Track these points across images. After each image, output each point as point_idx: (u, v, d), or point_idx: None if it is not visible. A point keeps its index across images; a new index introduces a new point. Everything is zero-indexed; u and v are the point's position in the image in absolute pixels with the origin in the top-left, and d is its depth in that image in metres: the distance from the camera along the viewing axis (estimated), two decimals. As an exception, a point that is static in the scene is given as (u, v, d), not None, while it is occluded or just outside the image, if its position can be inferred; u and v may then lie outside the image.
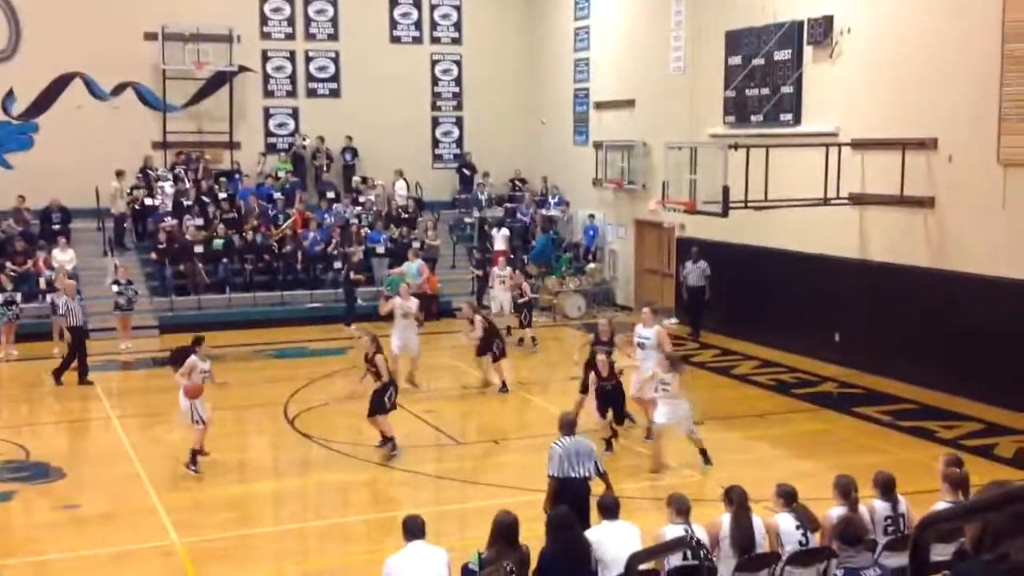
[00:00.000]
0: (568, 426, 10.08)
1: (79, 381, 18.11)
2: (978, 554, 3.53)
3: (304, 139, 27.40)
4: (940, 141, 16.83)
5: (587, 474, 9.80)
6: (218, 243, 24.00)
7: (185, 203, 24.99)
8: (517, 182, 28.84)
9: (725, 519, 8.25)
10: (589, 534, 8.06)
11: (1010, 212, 15.74)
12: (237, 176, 26.61)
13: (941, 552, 7.49)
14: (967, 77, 16.24)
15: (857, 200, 18.07)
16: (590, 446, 10.00)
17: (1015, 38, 15.40)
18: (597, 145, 26.09)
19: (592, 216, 26.49)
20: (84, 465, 14.11)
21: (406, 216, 26.51)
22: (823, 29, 18.83)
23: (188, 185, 25.60)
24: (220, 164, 27.07)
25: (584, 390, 14.67)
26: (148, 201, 24.86)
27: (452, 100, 29.13)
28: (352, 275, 23.75)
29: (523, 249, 26.27)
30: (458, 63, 29.00)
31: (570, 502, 9.08)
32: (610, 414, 13.87)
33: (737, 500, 8.28)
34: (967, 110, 16.29)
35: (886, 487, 8.62)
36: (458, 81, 29.07)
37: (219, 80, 26.69)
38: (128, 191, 24.73)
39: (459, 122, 29.22)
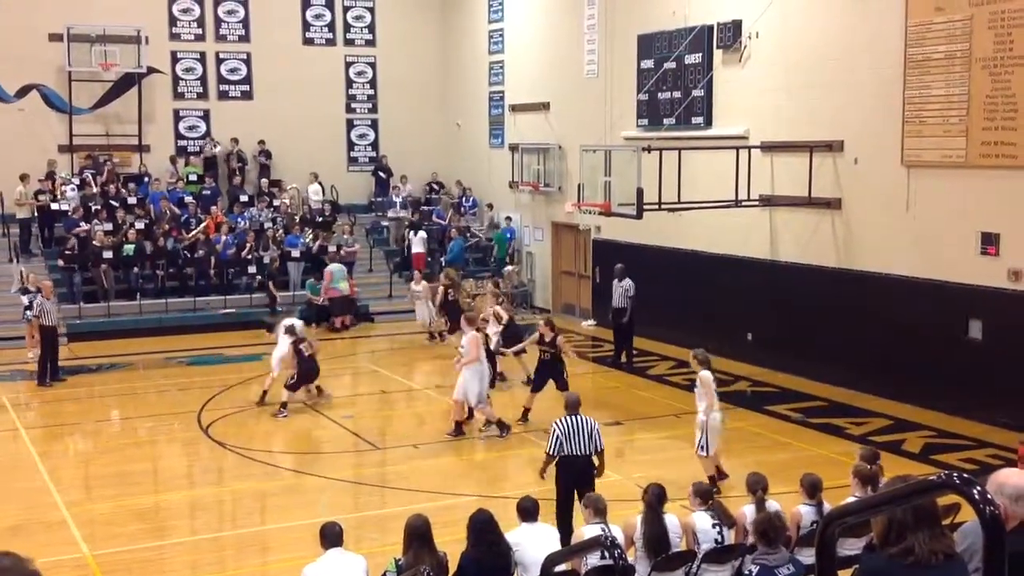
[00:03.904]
0: (571, 405, 10.73)
1: (50, 378, 18.32)
2: (884, 547, 3.63)
3: (215, 143, 27.00)
4: (846, 143, 17.24)
5: (587, 452, 10.44)
6: (128, 248, 23.53)
7: (93, 208, 24.45)
8: (433, 185, 28.80)
9: (638, 519, 8.34)
10: (509, 537, 8.07)
11: (913, 213, 16.18)
12: (147, 180, 26.12)
13: (852, 546, 7.69)
14: (871, 81, 16.67)
15: (767, 202, 18.42)
16: (592, 425, 10.52)
17: (917, 42, 15.85)
18: (513, 148, 26.18)
19: (509, 219, 26.56)
20: (-10, 478, 13.70)
21: (321, 219, 26.30)
22: (732, 33, 19.16)
23: (95, 189, 25.06)
24: (129, 168, 26.54)
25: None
26: (54, 206, 24.27)
27: (367, 103, 28.97)
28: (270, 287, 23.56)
29: (440, 252, 26.24)
30: (372, 65, 28.85)
31: (569, 478, 10.27)
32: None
33: (648, 500, 8.38)
34: (872, 113, 16.71)
35: (812, 489, 8.74)
36: (372, 83, 28.92)
37: (127, 82, 26.16)
38: (32, 196, 24.13)
39: (374, 125, 29.07)
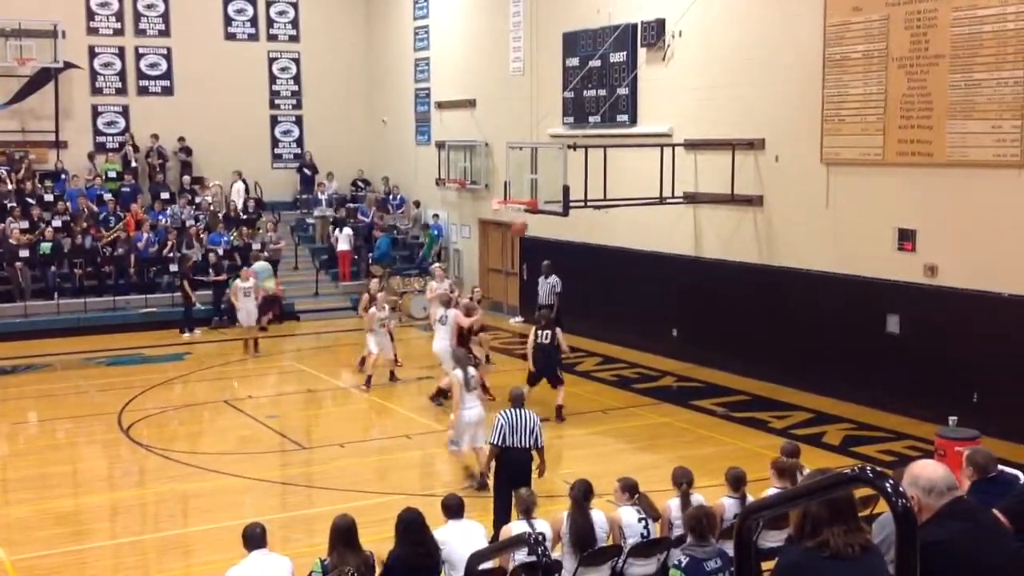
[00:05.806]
0: (516, 399, 10.96)
1: None
2: (801, 541, 3.69)
3: (133, 144, 26.48)
4: (767, 142, 17.50)
5: (527, 445, 10.60)
6: (46, 247, 22.99)
7: (8, 205, 23.86)
8: (359, 182, 28.62)
9: (565, 515, 8.39)
10: (436, 534, 8.06)
11: (833, 209, 16.49)
12: (64, 177, 25.55)
13: (774, 539, 7.82)
14: (792, 80, 16.94)
15: (691, 199, 18.63)
16: (534, 420, 10.75)
17: (836, 42, 16.15)
18: (439, 145, 26.12)
19: (436, 216, 26.51)
20: (-100, 484, 13.31)
21: (244, 217, 25.97)
22: (656, 32, 19.33)
23: (11, 186, 24.46)
24: (46, 164, 25.94)
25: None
26: (-32, 204, 23.65)
27: (291, 99, 28.68)
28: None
29: (367, 249, 26.09)
30: (296, 61, 28.57)
31: (509, 469, 10.37)
32: None
33: (574, 496, 8.44)
34: (792, 112, 16.99)
35: (736, 483, 8.87)
36: (297, 80, 28.64)
37: (44, 77, 25.57)
38: (-55, 193, 23.51)
39: (299, 121, 28.78)
